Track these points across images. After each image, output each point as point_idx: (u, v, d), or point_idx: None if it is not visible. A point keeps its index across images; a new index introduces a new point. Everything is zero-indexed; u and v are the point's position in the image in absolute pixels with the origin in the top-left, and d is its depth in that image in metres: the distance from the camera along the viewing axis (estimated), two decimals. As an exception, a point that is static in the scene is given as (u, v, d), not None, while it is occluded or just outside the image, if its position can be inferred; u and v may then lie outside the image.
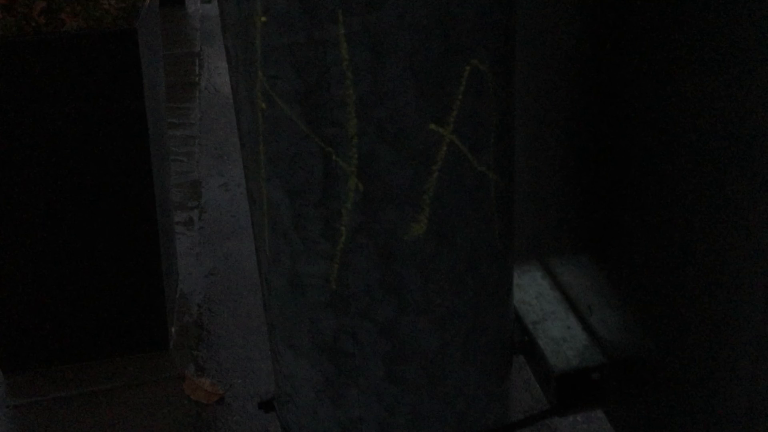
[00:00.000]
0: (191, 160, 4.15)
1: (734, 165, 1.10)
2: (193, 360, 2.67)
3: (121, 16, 2.42)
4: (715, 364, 1.19)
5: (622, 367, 1.49)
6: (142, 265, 2.59)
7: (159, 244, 2.59)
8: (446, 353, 1.38)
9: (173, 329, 2.83)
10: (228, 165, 4.14)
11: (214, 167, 4.12)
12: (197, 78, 5.23)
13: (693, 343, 1.24)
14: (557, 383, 1.53)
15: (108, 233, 2.52)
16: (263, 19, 1.20)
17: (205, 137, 4.48)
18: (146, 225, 2.55)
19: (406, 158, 1.24)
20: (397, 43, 1.18)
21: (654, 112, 1.28)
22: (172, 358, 2.69)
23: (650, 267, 1.34)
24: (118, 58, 2.35)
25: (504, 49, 1.30)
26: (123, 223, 2.53)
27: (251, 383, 2.57)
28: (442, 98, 1.23)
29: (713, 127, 1.13)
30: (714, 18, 1.10)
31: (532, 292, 1.73)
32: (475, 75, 1.25)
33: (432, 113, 1.23)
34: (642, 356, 1.40)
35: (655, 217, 1.31)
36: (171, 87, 5.08)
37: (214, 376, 2.60)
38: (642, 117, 1.32)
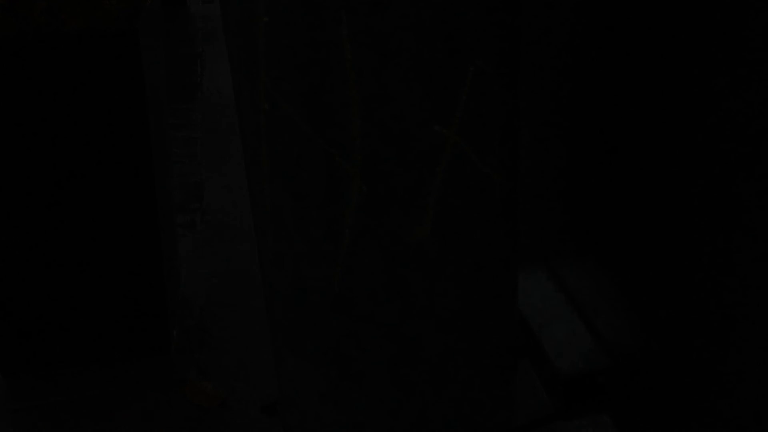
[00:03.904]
0: (193, 162, 4.14)
1: (741, 166, 1.09)
2: (194, 364, 2.66)
3: (123, 17, 2.41)
4: (721, 367, 1.19)
5: (628, 370, 1.48)
6: (143, 267, 2.58)
7: (160, 247, 2.58)
8: (450, 357, 1.37)
9: (175, 332, 2.82)
10: (230, 166, 4.13)
11: (216, 169, 4.11)
12: (199, 79, 5.23)
13: (699, 346, 1.24)
14: (563, 387, 1.52)
15: (109, 235, 2.52)
16: (265, 19, 1.19)
17: (207, 138, 4.47)
18: (147, 227, 2.54)
19: (410, 160, 1.23)
20: (400, 44, 1.17)
21: (660, 112, 1.27)
22: (174, 361, 2.68)
23: (656, 269, 1.33)
24: (119, 59, 2.34)
25: (508, 50, 1.29)
26: (124, 225, 2.52)
27: (254, 387, 2.56)
28: (447, 99, 1.22)
29: (720, 127, 1.12)
30: (720, 17, 1.09)
31: (538, 295, 1.72)
32: (479, 76, 1.24)
33: (436, 114, 1.22)
34: (648, 359, 1.39)
35: (660, 218, 1.30)
36: (172, 88, 5.08)
37: (216, 379, 2.59)
38: (648, 118, 1.31)
